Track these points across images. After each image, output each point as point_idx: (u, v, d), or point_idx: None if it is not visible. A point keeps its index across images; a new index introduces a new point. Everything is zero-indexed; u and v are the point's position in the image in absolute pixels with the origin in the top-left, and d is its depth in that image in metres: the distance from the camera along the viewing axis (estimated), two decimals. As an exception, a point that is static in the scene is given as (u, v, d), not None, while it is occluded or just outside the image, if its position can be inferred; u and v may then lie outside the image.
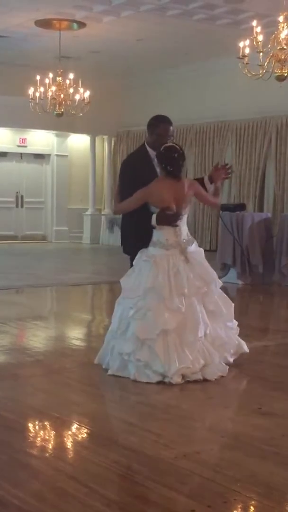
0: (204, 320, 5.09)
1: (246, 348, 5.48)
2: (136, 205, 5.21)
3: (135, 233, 5.41)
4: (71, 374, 5.32)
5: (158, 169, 5.29)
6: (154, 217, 5.18)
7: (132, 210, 5.26)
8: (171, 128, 5.53)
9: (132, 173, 5.39)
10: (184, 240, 5.22)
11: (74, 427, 4.17)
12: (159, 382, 4.89)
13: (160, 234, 5.20)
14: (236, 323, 5.44)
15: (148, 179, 5.21)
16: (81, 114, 14.10)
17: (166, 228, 5.18)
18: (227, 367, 5.20)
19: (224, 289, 10.74)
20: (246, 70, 9.46)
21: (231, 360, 5.33)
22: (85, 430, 4.09)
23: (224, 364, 5.20)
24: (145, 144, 5.52)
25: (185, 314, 5.03)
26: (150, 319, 5.01)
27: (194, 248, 5.30)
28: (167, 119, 5.62)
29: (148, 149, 5.44)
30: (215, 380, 5.01)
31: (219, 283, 5.37)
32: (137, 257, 5.27)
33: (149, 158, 5.39)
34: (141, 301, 5.07)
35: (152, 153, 5.37)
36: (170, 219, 5.16)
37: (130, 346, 5.02)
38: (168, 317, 4.98)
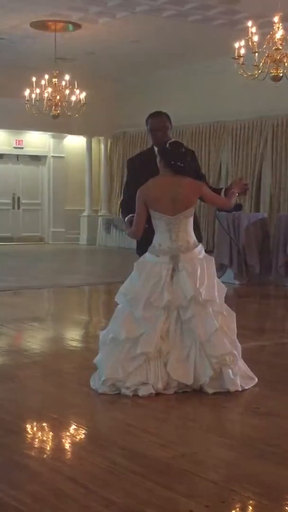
0: (164, 337, 4.73)
1: (232, 387, 4.76)
2: (142, 210, 4.88)
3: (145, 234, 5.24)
4: (68, 375, 5.32)
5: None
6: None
7: (144, 219, 4.92)
8: (162, 120, 5.45)
9: (134, 171, 5.37)
10: (182, 247, 4.85)
11: (72, 428, 4.17)
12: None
13: (156, 238, 4.93)
14: (226, 354, 4.74)
15: (150, 177, 5.00)
16: (77, 115, 14.09)
17: (161, 232, 4.88)
18: (172, 389, 4.75)
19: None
20: (241, 71, 9.47)
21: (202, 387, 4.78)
22: (83, 431, 4.09)
23: (174, 386, 4.75)
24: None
25: (146, 326, 4.73)
26: (111, 325, 4.90)
27: (196, 255, 4.86)
28: (156, 112, 5.56)
29: (154, 148, 5.42)
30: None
31: (209, 301, 4.78)
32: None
33: (154, 156, 5.33)
34: (121, 306, 4.97)
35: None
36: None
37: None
38: (124, 326, 4.75)
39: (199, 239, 5.30)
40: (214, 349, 4.72)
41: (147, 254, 4.96)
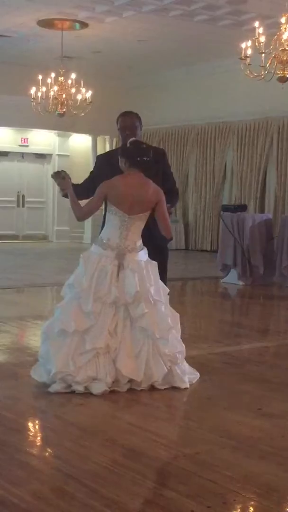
0: (112, 333, 4.75)
1: (182, 385, 4.87)
2: (99, 201, 4.93)
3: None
4: (71, 374, 5.31)
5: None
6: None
7: (96, 209, 5.02)
8: (131, 119, 5.49)
9: (98, 167, 5.40)
10: (129, 247, 4.87)
11: (74, 426, 4.17)
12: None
13: (105, 232, 5.00)
14: (177, 353, 4.88)
15: (110, 177, 4.99)
16: (82, 114, 14.11)
17: (113, 228, 4.92)
18: (127, 385, 4.77)
19: (224, 290, 10.86)
20: (248, 71, 9.47)
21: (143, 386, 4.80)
22: (85, 430, 4.09)
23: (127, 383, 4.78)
24: None
25: (95, 320, 4.73)
26: (57, 316, 4.90)
27: (141, 258, 4.90)
28: (126, 112, 5.60)
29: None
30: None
31: (159, 302, 4.86)
32: None
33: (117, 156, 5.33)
34: (66, 297, 4.99)
35: None
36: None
37: (40, 340, 5.04)
38: (73, 319, 4.73)
39: (169, 240, 5.35)
40: (167, 347, 4.82)
41: (92, 246, 5.04)
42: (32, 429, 4.21)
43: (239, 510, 3.11)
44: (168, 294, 5.04)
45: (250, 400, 4.72)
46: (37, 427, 4.24)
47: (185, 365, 5.05)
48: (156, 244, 5.14)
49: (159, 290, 4.93)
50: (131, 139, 5.02)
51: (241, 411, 4.46)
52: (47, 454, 3.73)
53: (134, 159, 4.86)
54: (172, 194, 5.41)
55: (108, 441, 3.82)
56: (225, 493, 3.17)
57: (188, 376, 4.99)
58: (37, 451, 3.76)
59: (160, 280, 5.01)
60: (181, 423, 4.25)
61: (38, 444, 3.92)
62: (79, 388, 4.68)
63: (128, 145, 4.94)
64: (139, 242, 4.96)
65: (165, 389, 4.82)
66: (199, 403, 4.70)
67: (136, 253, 4.90)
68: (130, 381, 4.79)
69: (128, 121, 5.51)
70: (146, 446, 3.75)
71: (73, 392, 4.68)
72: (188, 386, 4.90)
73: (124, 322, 4.81)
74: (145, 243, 5.01)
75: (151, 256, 5.02)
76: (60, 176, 5.18)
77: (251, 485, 3.25)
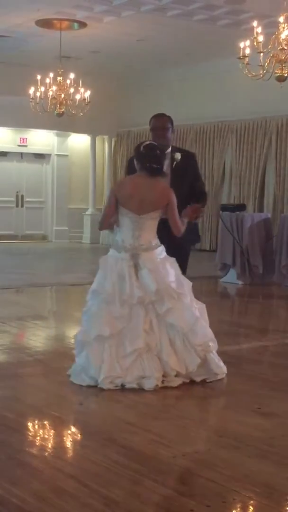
0: (149, 331, 4.84)
1: (220, 371, 5.04)
2: (112, 204, 4.98)
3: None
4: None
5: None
6: None
7: (111, 212, 5.01)
8: (162, 120, 5.66)
9: (131, 170, 5.45)
10: (143, 246, 4.94)
11: (74, 426, 4.17)
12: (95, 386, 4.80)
13: (118, 234, 5.04)
14: (209, 341, 4.98)
15: None
16: (81, 114, 14.12)
17: (125, 229, 4.97)
18: (178, 380, 4.88)
19: (224, 289, 10.84)
20: (246, 71, 9.48)
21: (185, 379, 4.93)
22: (85, 430, 4.09)
23: (176, 377, 4.88)
24: None
25: (127, 322, 4.83)
26: (89, 323, 4.94)
27: (157, 256, 4.96)
28: (159, 114, 5.78)
29: None
30: (217, 380, 4.99)
31: (182, 294, 4.96)
32: None
33: None
34: (89, 303, 5.06)
35: None
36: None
37: (76, 348, 5.09)
38: (107, 323, 4.81)
39: (197, 240, 5.49)
40: (198, 337, 4.88)
41: (110, 250, 5.10)
42: (31, 429, 4.21)
43: (238, 509, 3.11)
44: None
45: (250, 399, 4.72)
46: (36, 427, 4.24)
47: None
48: (176, 244, 5.20)
49: (181, 283, 4.99)
50: (147, 143, 5.10)
51: (240, 411, 4.46)
52: (46, 453, 3.73)
53: (143, 164, 4.97)
54: (201, 195, 5.57)
55: (107, 441, 3.83)
56: (224, 492, 3.18)
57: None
58: (36, 450, 3.76)
59: (181, 275, 5.08)
60: (181, 423, 4.25)
61: (37, 443, 3.92)
62: (133, 385, 4.77)
63: (142, 148, 5.01)
64: (155, 241, 5.02)
65: (170, 388, 4.82)
66: (199, 403, 4.70)
67: (151, 252, 4.96)
68: (177, 375, 4.87)
69: (159, 123, 5.72)
70: (145, 445, 3.75)
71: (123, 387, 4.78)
72: (225, 371, 5.01)
73: (157, 318, 4.90)
74: (164, 242, 5.08)
75: (170, 255, 5.08)
76: None
77: (251, 484, 3.26)
